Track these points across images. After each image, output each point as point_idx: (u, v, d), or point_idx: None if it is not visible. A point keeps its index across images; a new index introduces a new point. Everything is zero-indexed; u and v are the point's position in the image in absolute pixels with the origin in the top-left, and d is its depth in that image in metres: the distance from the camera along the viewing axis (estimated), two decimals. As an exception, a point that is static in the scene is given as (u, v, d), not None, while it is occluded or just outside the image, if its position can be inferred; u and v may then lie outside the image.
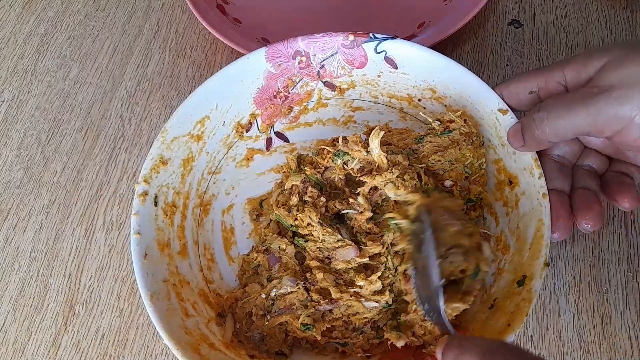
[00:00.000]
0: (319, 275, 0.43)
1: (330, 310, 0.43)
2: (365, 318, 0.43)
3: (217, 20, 0.59)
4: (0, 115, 0.59)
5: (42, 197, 0.54)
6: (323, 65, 0.51)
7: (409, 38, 0.55)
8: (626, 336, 0.44)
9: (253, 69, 0.49)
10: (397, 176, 0.43)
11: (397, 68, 0.49)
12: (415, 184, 0.44)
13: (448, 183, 0.45)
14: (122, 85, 0.60)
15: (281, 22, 0.61)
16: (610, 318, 0.45)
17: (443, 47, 0.57)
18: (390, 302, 0.42)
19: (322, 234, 0.44)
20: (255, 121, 0.52)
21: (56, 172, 0.55)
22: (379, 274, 0.42)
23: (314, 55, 0.50)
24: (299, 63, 0.50)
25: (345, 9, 0.62)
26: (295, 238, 0.46)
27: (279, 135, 0.53)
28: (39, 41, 0.64)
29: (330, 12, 0.62)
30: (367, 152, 0.45)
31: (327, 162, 0.47)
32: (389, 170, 0.44)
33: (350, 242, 0.44)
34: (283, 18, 0.62)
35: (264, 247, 0.47)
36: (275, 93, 0.51)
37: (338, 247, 0.44)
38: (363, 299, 0.42)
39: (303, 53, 0.50)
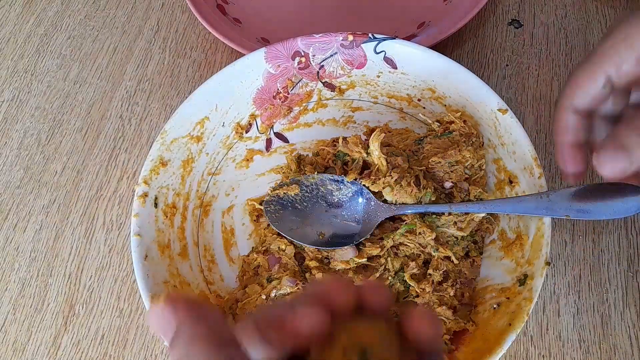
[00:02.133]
0: (318, 276, 0.43)
1: (329, 311, 0.43)
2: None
3: (217, 20, 0.59)
4: (0, 115, 0.59)
5: (42, 197, 0.54)
6: (322, 66, 0.51)
7: (409, 38, 0.55)
8: (626, 336, 0.44)
9: (252, 70, 0.49)
10: (395, 180, 0.43)
11: (396, 68, 0.49)
12: (412, 191, 0.43)
13: (448, 184, 0.45)
14: (122, 85, 0.60)
15: (281, 22, 0.61)
16: (610, 318, 0.45)
17: (443, 47, 0.57)
18: None
19: (321, 235, 0.44)
20: (254, 122, 0.52)
21: (56, 172, 0.55)
22: (377, 274, 0.42)
23: (314, 55, 0.50)
24: (298, 63, 0.50)
25: (345, 9, 0.62)
26: (295, 238, 0.46)
27: (279, 135, 0.53)
28: (39, 41, 0.64)
29: (330, 12, 0.62)
30: (367, 153, 0.45)
31: (327, 162, 0.47)
32: (387, 174, 0.44)
33: (349, 242, 0.44)
34: (283, 18, 0.62)
35: (263, 248, 0.47)
36: (274, 94, 0.51)
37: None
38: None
39: (302, 53, 0.50)
